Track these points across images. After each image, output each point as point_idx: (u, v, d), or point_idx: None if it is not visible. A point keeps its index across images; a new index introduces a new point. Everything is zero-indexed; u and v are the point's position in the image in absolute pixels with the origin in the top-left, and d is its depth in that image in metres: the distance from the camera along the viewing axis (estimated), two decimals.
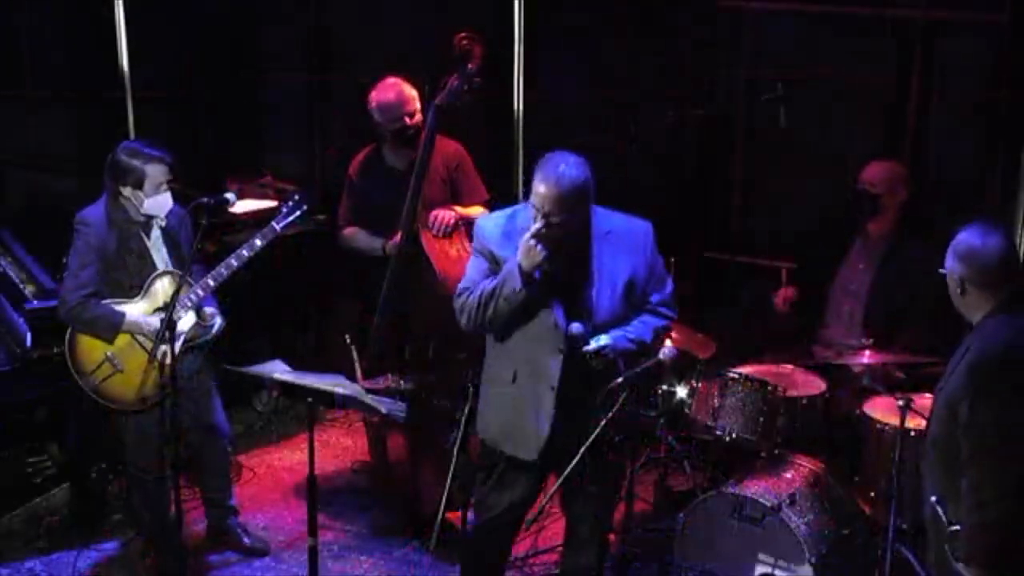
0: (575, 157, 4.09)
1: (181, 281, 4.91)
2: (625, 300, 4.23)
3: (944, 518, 3.58)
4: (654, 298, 4.32)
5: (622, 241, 4.23)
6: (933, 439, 3.70)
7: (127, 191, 4.97)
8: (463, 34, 5.41)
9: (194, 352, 5.19)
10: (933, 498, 3.63)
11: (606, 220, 4.23)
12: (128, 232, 5.03)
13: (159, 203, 5.00)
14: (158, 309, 4.97)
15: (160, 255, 5.11)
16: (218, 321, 5.18)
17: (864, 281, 5.56)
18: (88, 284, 4.96)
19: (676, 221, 6.25)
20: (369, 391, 4.74)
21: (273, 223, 5.20)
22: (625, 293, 4.22)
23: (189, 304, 5.07)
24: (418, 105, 5.52)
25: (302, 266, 6.52)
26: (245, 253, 5.13)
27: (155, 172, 4.94)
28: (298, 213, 5.26)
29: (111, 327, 4.99)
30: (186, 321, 5.08)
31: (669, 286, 4.38)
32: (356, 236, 5.67)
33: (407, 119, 5.47)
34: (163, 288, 5.05)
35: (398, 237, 5.41)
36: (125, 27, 7.47)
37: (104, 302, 5.00)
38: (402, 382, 5.35)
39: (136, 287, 5.04)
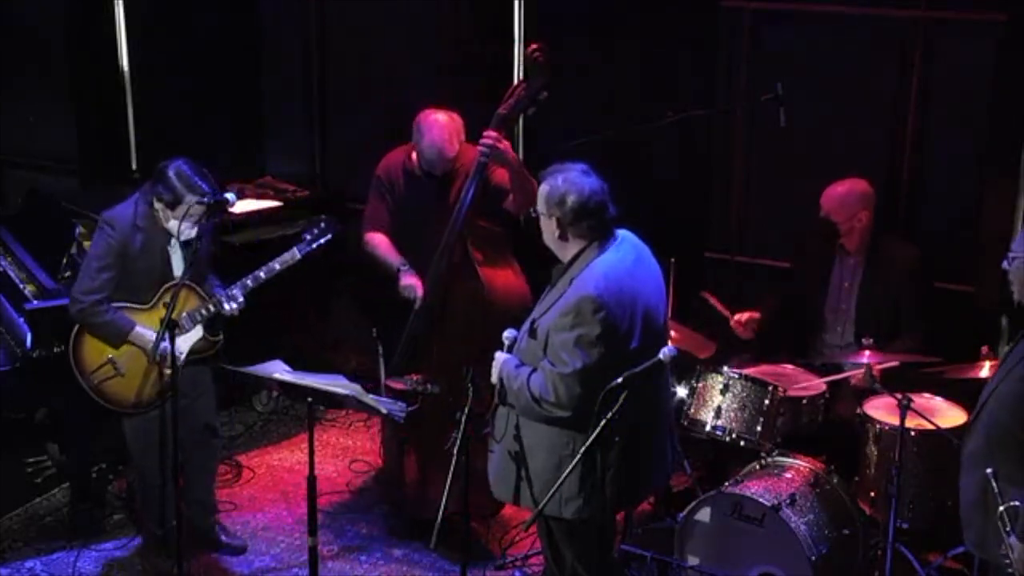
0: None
1: (172, 290, 4.90)
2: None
3: (998, 493, 3.64)
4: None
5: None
6: (996, 423, 3.78)
7: (159, 205, 4.97)
8: (535, 46, 5.26)
9: (196, 362, 5.20)
10: (989, 470, 3.65)
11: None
12: (153, 235, 5.02)
13: (181, 229, 4.98)
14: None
15: (177, 261, 5.10)
16: (221, 336, 5.22)
17: (850, 300, 5.54)
18: (102, 289, 4.98)
19: (676, 221, 6.26)
20: (389, 389, 4.70)
21: (295, 248, 5.18)
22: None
23: (199, 318, 5.08)
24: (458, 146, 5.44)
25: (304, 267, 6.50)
26: (262, 275, 5.13)
27: (192, 203, 4.92)
28: (322, 241, 5.23)
29: (119, 335, 5.02)
30: (193, 335, 5.10)
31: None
32: (378, 246, 5.57)
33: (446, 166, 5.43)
34: (177, 299, 5.05)
35: (420, 289, 5.35)
36: (125, 27, 7.48)
37: (116, 306, 5.00)
38: (429, 385, 5.32)
39: (150, 292, 5.02)
